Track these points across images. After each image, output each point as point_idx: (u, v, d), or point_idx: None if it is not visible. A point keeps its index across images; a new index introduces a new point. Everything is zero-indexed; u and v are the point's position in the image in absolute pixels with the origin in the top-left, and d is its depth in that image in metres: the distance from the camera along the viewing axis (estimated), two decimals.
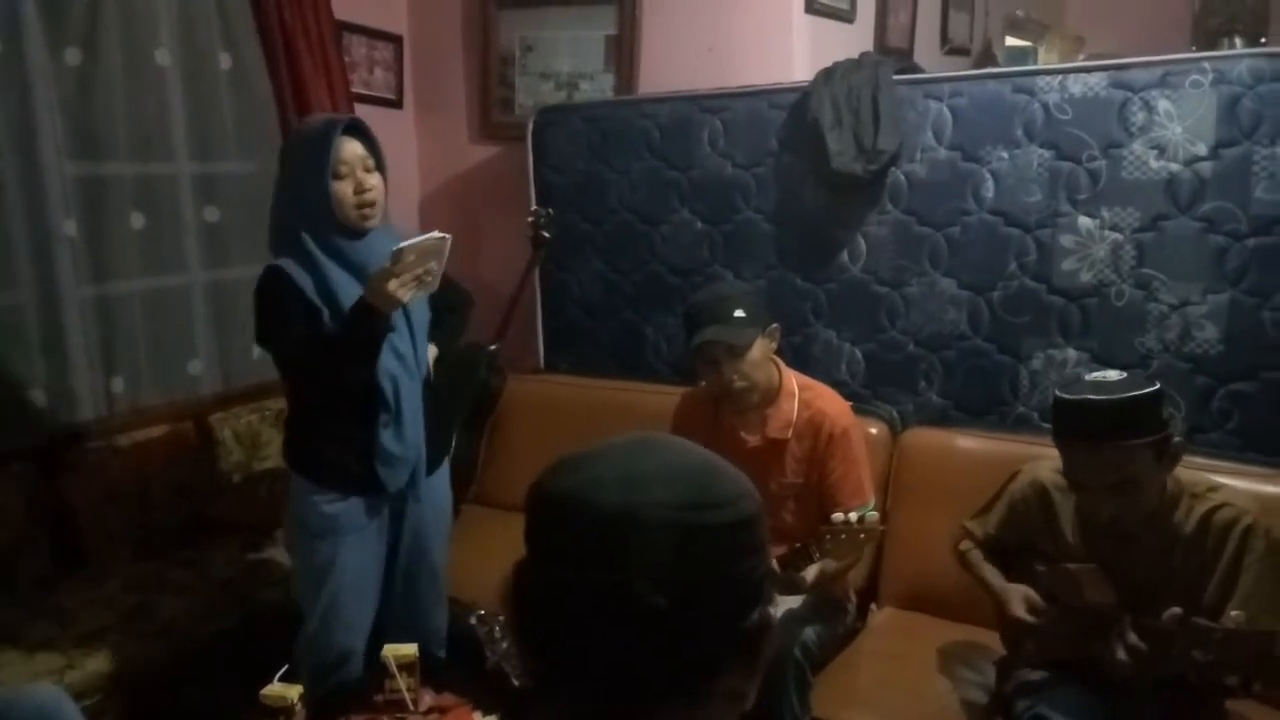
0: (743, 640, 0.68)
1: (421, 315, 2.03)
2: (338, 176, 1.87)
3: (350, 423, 1.95)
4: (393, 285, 1.77)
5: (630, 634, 0.65)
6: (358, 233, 1.92)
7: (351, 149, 1.89)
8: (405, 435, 1.98)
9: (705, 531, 0.66)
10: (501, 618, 1.77)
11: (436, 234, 1.82)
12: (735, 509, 0.68)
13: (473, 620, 1.83)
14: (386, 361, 1.92)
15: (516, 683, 1.71)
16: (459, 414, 2.98)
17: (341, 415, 1.95)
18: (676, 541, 0.65)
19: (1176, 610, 1.54)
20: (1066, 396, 1.60)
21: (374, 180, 1.91)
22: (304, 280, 1.87)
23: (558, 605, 0.68)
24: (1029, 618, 1.74)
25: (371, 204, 1.91)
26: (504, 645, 1.75)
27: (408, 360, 1.98)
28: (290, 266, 1.88)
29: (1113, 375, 1.61)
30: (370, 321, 1.82)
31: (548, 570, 0.69)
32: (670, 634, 0.65)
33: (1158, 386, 1.60)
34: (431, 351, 2.12)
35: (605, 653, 0.66)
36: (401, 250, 1.76)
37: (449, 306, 2.17)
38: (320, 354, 1.87)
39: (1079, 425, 1.59)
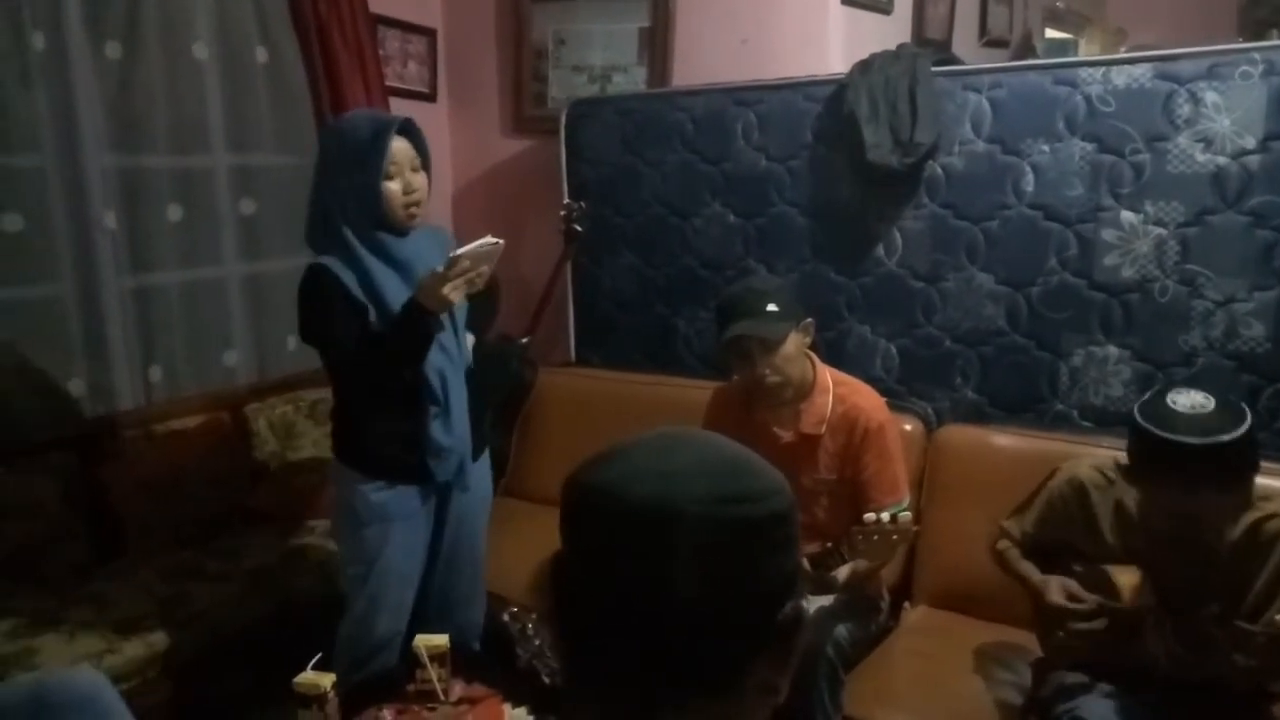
0: (774, 633, 0.69)
1: (461, 307, 2.03)
2: (388, 176, 1.89)
3: (399, 417, 1.97)
4: (446, 288, 1.81)
5: (663, 626, 0.65)
6: (401, 230, 1.94)
7: (402, 149, 1.91)
8: (454, 427, 2.00)
9: (738, 525, 0.66)
10: (534, 615, 1.78)
11: (490, 239, 1.85)
12: (768, 503, 0.68)
13: (506, 617, 1.83)
14: (433, 356, 1.95)
15: (547, 680, 1.71)
16: (491, 407, 3.00)
17: (390, 409, 1.97)
18: (709, 535, 0.65)
19: (1212, 609, 1.51)
20: (1191, 440, 1.47)
21: (420, 180, 1.94)
22: (349, 278, 1.89)
23: (592, 597, 0.68)
24: (1068, 603, 1.71)
25: (418, 203, 1.94)
26: (536, 643, 1.75)
27: (452, 353, 2.00)
28: (334, 264, 1.89)
29: (1199, 400, 1.52)
30: (422, 321, 1.85)
31: (582, 563, 0.69)
32: (702, 627, 0.65)
33: (1243, 405, 1.54)
34: (469, 341, 2.14)
35: (638, 644, 0.66)
36: (458, 256, 1.80)
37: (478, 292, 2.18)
38: (369, 352, 1.89)
39: (1208, 467, 1.48)
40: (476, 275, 1.86)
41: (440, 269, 1.82)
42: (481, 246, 1.83)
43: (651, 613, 0.65)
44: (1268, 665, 1.51)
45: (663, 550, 0.65)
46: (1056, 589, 1.74)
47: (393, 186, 1.89)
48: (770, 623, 0.68)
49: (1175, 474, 1.52)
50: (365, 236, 1.91)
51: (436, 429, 1.98)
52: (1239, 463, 1.49)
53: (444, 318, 1.95)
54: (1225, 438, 1.46)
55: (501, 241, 1.86)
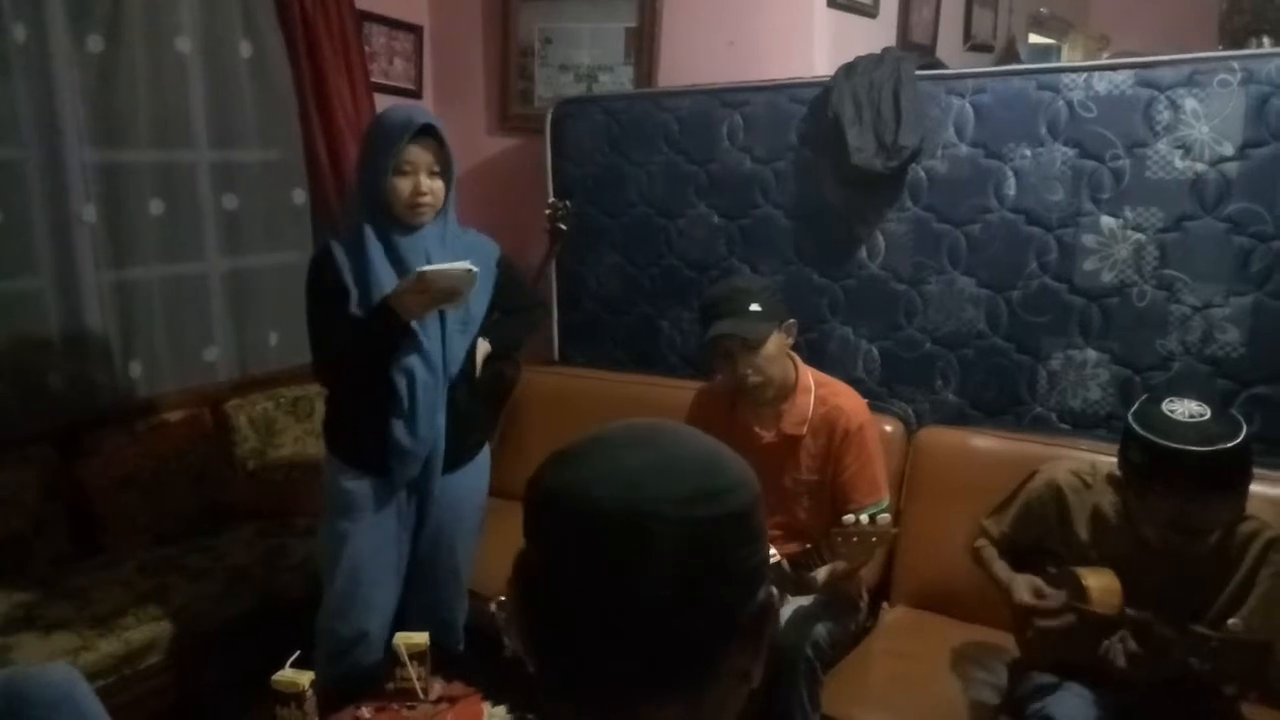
0: (745, 624, 0.69)
1: (459, 315, 2.04)
2: (401, 173, 1.93)
3: (365, 410, 2.00)
4: (409, 300, 1.86)
5: (635, 626, 0.66)
6: (410, 227, 1.98)
7: (420, 153, 1.94)
8: (418, 430, 2.00)
9: (704, 524, 0.66)
10: None
11: (463, 266, 1.87)
12: (734, 498, 0.68)
13: (493, 607, 1.82)
14: (405, 357, 1.96)
15: (533, 671, 1.70)
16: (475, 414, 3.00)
17: (357, 401, 2.02)
18: (676, 536, 0.65)
19: (1153, 613, 1.53)
20: (1199, 449, 1.48)
21: (434, 184, 1.97)
22: (344, 262, 1.95)
23: (560, 600, 0.68)
24: (1033, 600, 1.73)
25: (426, 205, 1.97)
26: None
27: (431, 358, 2.00)
28: (337, 248, 1.97)
29: (1195, 408, 1.53)
30: (386, 321, 1.89)
31: (548, 566, 0.69)
32: (673, 626, 0.66)
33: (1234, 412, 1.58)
34: (483, 348, 2.15)
35: (611, 644, 0.67)
36: (422, 274, 1.84)
37: (509, 309, 2.22)
38: (337, 339, 1.95)
39: (1212, 475, 1.50)
40: (445, 294, 1.88)
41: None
42: (451, 270, 1.86)
43: (622, 613, 0.66)
44: (1222, 670, 1.52)
45: (630, 553, 0.65)
46: (1024, 587, 1.76)
47: (401, 183, 1.93)
48: (741, 613, 0.69)
49: (1180, 483, 1.52)
50: (376, 226, 1.96)
51: (398, 429, 1.99)
52: (1240, 470, 1.51)
53: (434, 323, 1.98)
54: (1228, 445, 1.48)
55: (476, 269, 1.88)
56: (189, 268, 2.99)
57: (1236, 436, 1.49)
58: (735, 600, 0.69)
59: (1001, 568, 1.85)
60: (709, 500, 0.67)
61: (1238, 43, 4.29)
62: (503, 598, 1.85)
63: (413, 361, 1.97)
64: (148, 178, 2.85)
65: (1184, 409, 1.54)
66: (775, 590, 0.74)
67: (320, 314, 1.99)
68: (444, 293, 1.87)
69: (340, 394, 2.09)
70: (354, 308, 1.93)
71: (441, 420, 2.03)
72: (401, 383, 1.97)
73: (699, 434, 0.74)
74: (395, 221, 1.96)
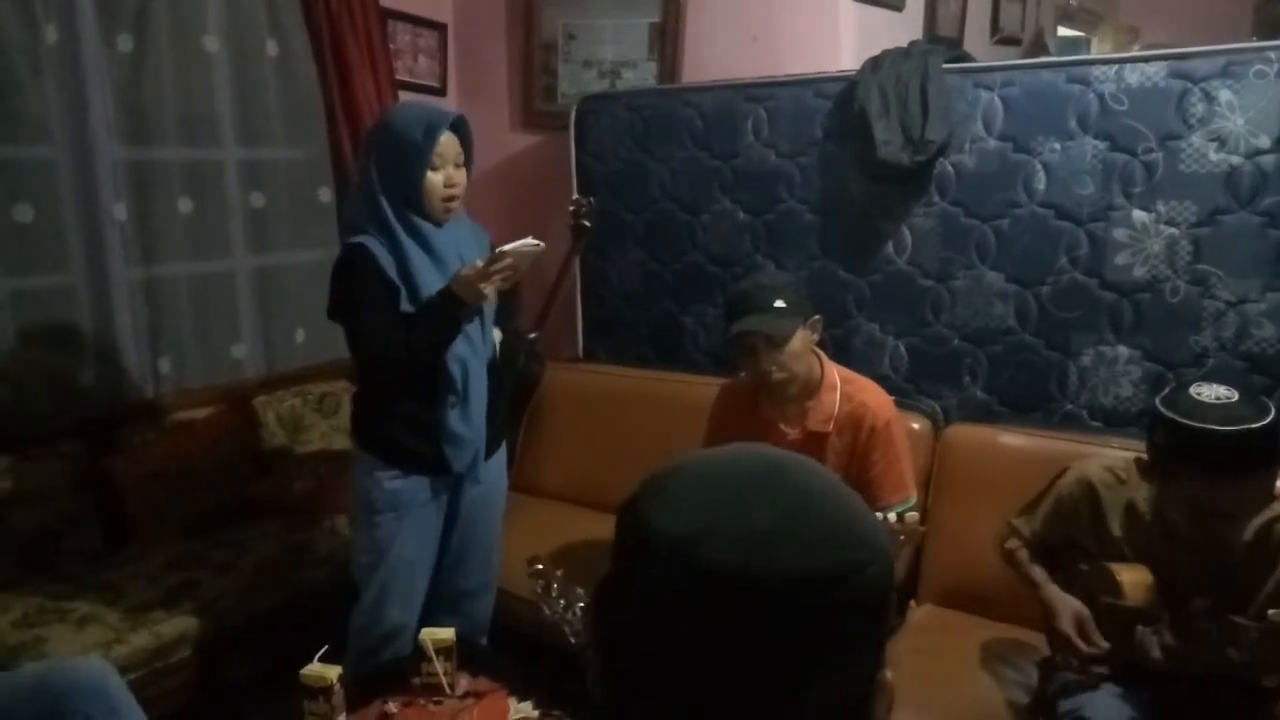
0: (853, 710, 0.62)
1: (491, 302, 2.06)
2: (433, 168, 1.94)
3: (418, 403, 2.00)
4: (481, 283, 1.87)
5: (729, 714, 0.58)
6: (437, 221, 1.99)
7: (450, 143, 1.96)
8: (471, 417, 2.03)
9: (833, 608, 0.58)
10: (560, 572, 1.76)
11: (533, 241, 1.90)
12: (866, 578, 0.59)
13: (528, 573, 1.81)
14: (457, 346, 1.98)
15: (573, 640, 1.69)
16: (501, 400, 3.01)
17: (410, 395, 2.00)
18: (797, 618, 0.57)
19: (1204, 602, 1.50)
20: (1222, 428, 1.46)
21: (461, 175, 1.99)
22: (386, 260, 1.93)
23: (647, 673, 0.60)
24: (1078, 641, 1.67)
25: (455, 197, 1.99)
26: (560, 603, 1.73)
27: (477, 345, 2.03)
28: (373, 245, 1.93)
29: (1222, 392, 1.51)
30: (453, 311, 1.90)
31: (639, 628, 0.60)
32: (783, 709, 0.58)
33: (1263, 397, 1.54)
34: (496, 335, 2.18)
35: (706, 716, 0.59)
36: (503, 252, 1.86)
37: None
38: (397, 333, 1.92)
39: (1237, 455, 1.48)
40: (511, 272, 1.90)
41: (480, 263, 1.87)
42: (524, 246, 1.88)
43: (719, 698, 0.58)
44: (1260, 660, 1.50)
45: (740, 631, 0.57)
46: (1069, 619, 1.70)
47: (435, 178, 1.94)
48: (853, 701, 0.61)
49: (1205, 464, 1.50)
50: (407, 223, 1.96)
51: (454, 418, 2.00)
52: (1266, 452, 1.49)
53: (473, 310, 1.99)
54: (1255, 425, 1.46)
55: (543, 244, 1.91)
56: (216, 265, 3.02)
57: (1263, 418, 1.47)
58: (851, 690, 0.61)
59: (1042, 575, 1.81)
60: (838, 582, 0.58)
61: (1273, 34, 4.21)
62: (540, 565, 1.82)
63: (463, 349, 1.99)
64: (176, 176, 2.88)
65: (1211, 392, 1.52)
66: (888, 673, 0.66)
67: (375, 313, 1.92)
68: (511, 270, 1.90)
69: (388, 392, 2.01)
70: (405, 306, 1.93)
71: (485, 405, 2.06)
72: (456, 370, 1.98)
73: (823, 476, 0.65)
74: (423, 217, 1.97)
